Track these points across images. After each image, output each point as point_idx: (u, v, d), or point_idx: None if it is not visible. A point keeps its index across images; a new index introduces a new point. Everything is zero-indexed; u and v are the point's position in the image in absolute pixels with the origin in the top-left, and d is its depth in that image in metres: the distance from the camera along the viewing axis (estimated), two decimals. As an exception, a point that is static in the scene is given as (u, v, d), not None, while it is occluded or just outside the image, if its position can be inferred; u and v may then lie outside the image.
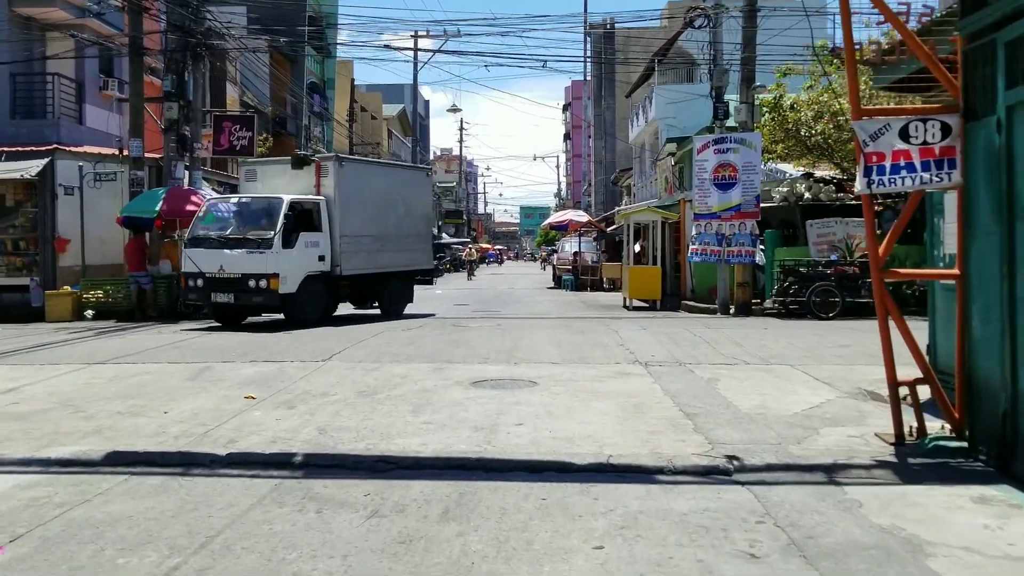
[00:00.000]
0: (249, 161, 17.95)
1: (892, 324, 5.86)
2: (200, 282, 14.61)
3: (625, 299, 20.98)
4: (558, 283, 33.36)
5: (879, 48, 6.31)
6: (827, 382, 8.35)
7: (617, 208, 42.75)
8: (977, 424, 5.49)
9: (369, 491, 4.92)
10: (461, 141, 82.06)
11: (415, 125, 56.02)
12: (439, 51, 76.63)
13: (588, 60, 47.59)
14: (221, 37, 21.25)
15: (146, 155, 18.67)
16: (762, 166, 18.46)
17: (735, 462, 5.38)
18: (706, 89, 21.90)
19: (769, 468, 5.30)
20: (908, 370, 5.96)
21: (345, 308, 17.57)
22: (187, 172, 19.17)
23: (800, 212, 18.34)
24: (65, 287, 17.29)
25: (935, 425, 5.94)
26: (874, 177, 5.84)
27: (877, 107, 8.71)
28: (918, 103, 7.77)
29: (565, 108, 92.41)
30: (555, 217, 42.97)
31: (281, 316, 15.18)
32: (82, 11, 19.91)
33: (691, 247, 17.97)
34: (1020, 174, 4.99)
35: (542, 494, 4.85)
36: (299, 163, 15.94)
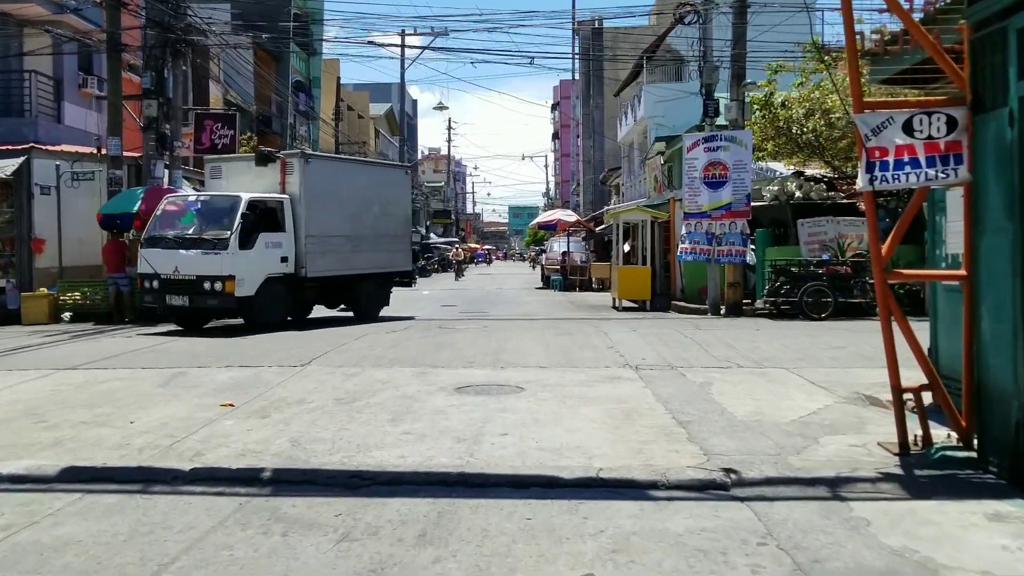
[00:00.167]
0: (214, 158, 17.41)
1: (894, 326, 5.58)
2: (155, 284, 13.99)
3: (614, 299, 20.67)
4: (547, 283, 33.05)
5: (882, 37, 6.01)
6: (823, 386, 8.06)
7: (606, 207, 42.49)
8: (987, 433, 5.20)
9: (341, 511, 4.58)
10: (449, 140, 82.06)
11: (403, 124, 55.60)
12: (427, 48, 76.24)
13: (576, 57, 47.33)
14: (202, 33, 20.86)
15: (125, 154, 18.26)
16: (753, 164, 18.19)
17: (733, 475, 5.07)
18: (695, 87, 21.69)
19: (769, 482, 4.98)
20: (907, 373, 5.67)
21: (320, 311, 17.19)
22: (167, 171, 18.78)
23: (791, 211, 18.10)
24: (42, 289, 16.87)
25: (940, 434, 5.66)
26: (877, 173, 5.54)
27: (879, 100, 8.39)
28: (911, 97, 7.47)
29: (554, 107, 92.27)
30: (543, 217, 42.69)
31: (240, 320, 14.59)
32: (60, 7, 19.48)
33: (681, 246, 17.68)
34: (1034, 168, 4.70)
35: (527, 513, 4.53)
36: (263, 160, 15.27)
